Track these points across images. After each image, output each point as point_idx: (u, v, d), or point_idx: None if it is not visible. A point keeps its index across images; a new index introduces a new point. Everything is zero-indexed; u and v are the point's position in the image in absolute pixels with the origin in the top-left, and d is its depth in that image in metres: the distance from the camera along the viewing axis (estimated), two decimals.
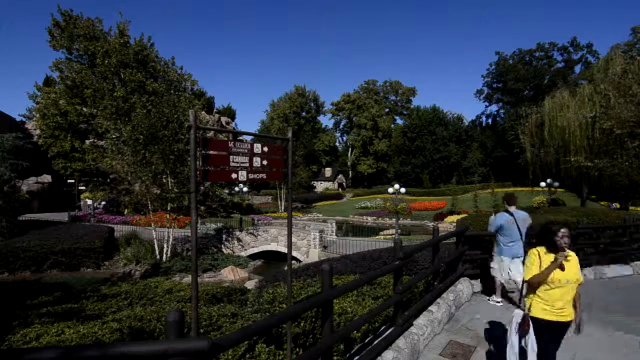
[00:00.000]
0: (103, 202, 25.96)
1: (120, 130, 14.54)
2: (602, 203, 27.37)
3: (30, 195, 26.49)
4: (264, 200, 47.01)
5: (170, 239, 15.51)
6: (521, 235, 5.47)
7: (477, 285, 6.45)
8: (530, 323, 2.97)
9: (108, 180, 16.45)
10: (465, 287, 6.01)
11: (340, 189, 62.18)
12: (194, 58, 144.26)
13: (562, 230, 2.99)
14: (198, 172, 2.61)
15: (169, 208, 15.40)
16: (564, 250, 2.96)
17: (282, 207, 36.90)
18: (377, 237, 21.35)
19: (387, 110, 68.64)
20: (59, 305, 6.19)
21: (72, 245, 14.62)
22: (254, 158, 3.11)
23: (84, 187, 28.25)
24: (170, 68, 27.18)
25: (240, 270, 14.93)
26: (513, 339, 3.08)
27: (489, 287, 6.19)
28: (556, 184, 25.23)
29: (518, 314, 3.11)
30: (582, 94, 23.13)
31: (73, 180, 27.99)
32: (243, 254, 18.04)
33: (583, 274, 7.39)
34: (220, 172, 2.94)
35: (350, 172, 68.39)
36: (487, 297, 6.06)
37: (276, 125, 58.81)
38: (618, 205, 24.51)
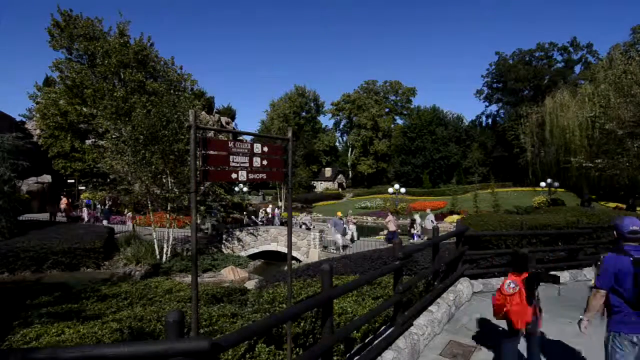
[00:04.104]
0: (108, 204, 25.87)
1: (120, 130, 14.53)
2: (602, 203, 27.38)
3: (30, 195, 26.45)
4: (261, 200, 46.95)
5: (170, 239, 15.50)
6: None
7: (477, 285, 6.45)
8: None
9: (108, 180, 16.45)
10: (465, 287, 6.01)
11: (340, 189, 62.14)
12: (194, 58, 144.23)
13: None
14: (198, 172, 2.61)
15: (169, 208, 15.40)
16: None
17: (282, 207, 36.89)
18: (377, 237, 21.36)
19: (387, 110, 68.63)
20: (59, 305, 6.19)
21: (72, 245, 14.60)
22: (254, 158, 3.11)
23: (84, 187, 28.21)
24: (170, 68, 27.16)
25: (240, 270, 14.92)
26: None
27: None
28: (556, 184, 25.23)
29: None
30: (583, 94, 23.19)
31: (73, 180, 27.97)
32: (243, 254, 18.04)
33: (584, 274, 7.43)
34: (220, 172, 2.94)
35: (350, 172, 68.38)
36: None
37: (276, 125, 58.74)
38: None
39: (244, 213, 25.98)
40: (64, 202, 23.51)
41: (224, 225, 20.23)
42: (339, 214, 18.76)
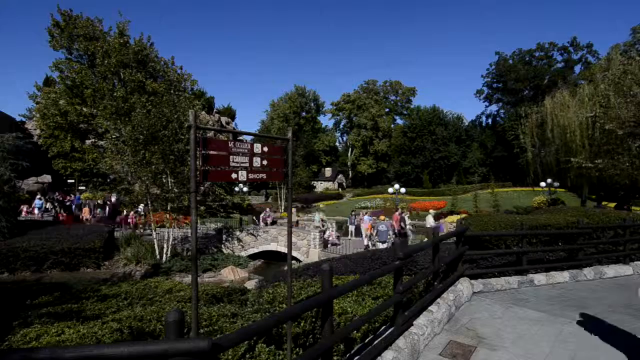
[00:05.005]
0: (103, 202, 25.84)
1: (120, 130, 14.53)
2: (603, 203, 27.35)
3: (30, 195, 26.45)
4: (263, 200, 46.96)
5: (170, 239, 15.50)
6: None
7: (477, 285, 6.44)
8: None
9: (108, 180, 16.48)
10: (465, 287, 6.00)
11: (340, 189, 62.11)
12: (194, 58, 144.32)
13: None
14: (198, 172, 2.61)
15: (169, 208, 15.40)
16: None
17: (282, 207, 36.89)
18: None
19: (387, 110, 68.62)
20: (59, 305, 6.18)
21: (72, 245, 14.60)
22: (254, 158, 3.11)
23: (84, 187, 28.23)
24: (169, 68, 27.20)
25: (240, 270, 14.92)
26: None
27: None
28: (556, 184, 25.21)
29: None
30: (582, 94, 23.15)
31: (73, 180, 27.98)
32: (243, 254, 18.04)
33: (584, 274, 7.42)
34: (220, 172, 2.94)
35: (350, 172, 68.34)
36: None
37: (276, 125, 58.77)
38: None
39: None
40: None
41: (225, 226, 20.22)
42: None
